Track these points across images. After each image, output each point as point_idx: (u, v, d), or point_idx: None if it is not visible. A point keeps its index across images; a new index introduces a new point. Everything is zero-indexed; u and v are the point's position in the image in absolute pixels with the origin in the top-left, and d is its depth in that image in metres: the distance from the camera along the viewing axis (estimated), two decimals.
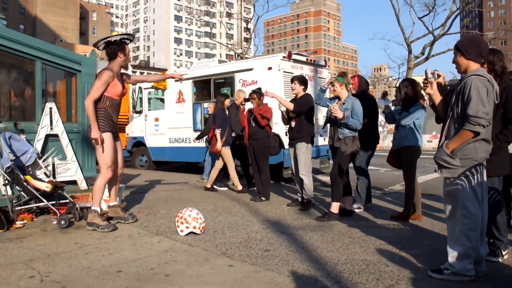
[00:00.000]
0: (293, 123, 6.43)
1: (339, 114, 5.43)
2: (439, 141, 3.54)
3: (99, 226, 4.95)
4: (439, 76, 3.71)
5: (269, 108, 7.25)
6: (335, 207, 5.59)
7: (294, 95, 6.59)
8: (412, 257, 3.94)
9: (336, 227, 5.20)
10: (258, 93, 7.23)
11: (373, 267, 3.69)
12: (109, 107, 5.08)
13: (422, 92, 4.89)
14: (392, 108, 5.91)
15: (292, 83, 6.52)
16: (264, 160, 7.27)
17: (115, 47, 5.15)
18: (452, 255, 3.32)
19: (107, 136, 5.03)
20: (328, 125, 5.96)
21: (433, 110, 3.91)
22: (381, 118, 26.51)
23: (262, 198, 7.09)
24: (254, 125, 7.21)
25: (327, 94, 6.31)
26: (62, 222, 5.01)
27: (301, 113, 6.31)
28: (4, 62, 6.10)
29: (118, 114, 5.31)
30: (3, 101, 6.37)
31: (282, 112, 6.57)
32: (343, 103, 5.64)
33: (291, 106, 6.31)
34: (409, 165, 5.61)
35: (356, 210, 6.13)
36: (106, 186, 5.23)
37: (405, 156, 5.59)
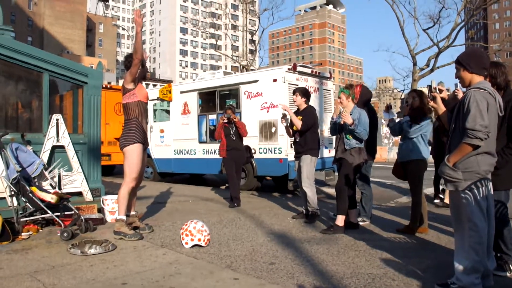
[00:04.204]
0: (297, 137, 6.44)
1: (349, 120, 5.43)
2: (444, 154, 3.53)
3: (126, 235, 5.04)
4: (441, 91, 3.73)
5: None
6: (340, 220, 5.56)
7: (296, 107, 6.61)
8: (419, 271, 3.91)
9: (341, 240, 5.17)
10: (233, 108, 8.19)
11: (379, 281, 3.66)
12: (139, 115, 5.26)
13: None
14: (397, 120, 5.88)
15: (294, 95, 6.55)
16: (240, 169, 8.31)
17: (132, 59, 5.27)
18: (459, 269, 3.29)
19: (138, 147, 5.18)
20: (334, 138, 5.94)
21: (438, 123, 3.92)
22: (386, 129, 26.49)
23: (235, 204, 7.72)
24: (235, 138, 7.89)
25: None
26: (65, 234, 5.01)
27: (308, 130, 6.32)
28: (12, 74, 6.15)
29: (147, 122, 5.51)
30: (11, 112, 6.42)
31: (285, 126, 6.59)
32: (350, 114, 5.65)
33: (299, 125, 6.31)
34: (416, 178, 5.57)
35: (361, 223, 6.09)
36: None
37: (411, 169, 5.55)
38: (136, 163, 5.19)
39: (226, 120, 7.85)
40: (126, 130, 5.25)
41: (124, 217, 5.17)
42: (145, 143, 5.32)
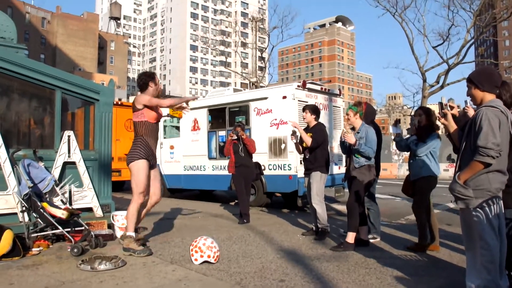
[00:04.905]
0: (307, 154, 6.44)
1: (352, 140, 5.45)
2: (455, 171, 3.52)
3: (135, 251, 5.04)
4: (452, 107, 3.73)
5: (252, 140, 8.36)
6: (350, 237, 5.52)
7: (306, 124, 6.62)
8: None
9: (352, 257, 5.13)
10: (242, 125, 8.26)
11: None
12: (145, 134, 5.27)
13: (438, 122, 4.87)
14: (406, 136, 5.87)
15: (303, 112, 6.57)
16: (250, 186, 8.37)
17: (145, 78, 5.38)
18: None
19: (143, 163, 5.19)
20: (344, 156, 5.95)
21: (449, 140, 3.91)
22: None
23: (244, 220, 7.74)
24: (243, 154, 7.96)
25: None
26: (75, 250, 5.02)
27: (317, 147, 6.33)
28: (25, 91, 6.26)
29: (156, 141, 5.46)
30: (23, 129, 6.51)
31: (295, 143, 6.60)
32: (358, 132, 5.67)
33: (308, 142, 6.32)
34: (422, 194, 5.51)
35: (372, 240, 6.04)
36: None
37: (421, 185, 5.51)
38: (141, 179, 5.19)
39: (235, 137, 7.92)
40: (132, 147, 5.30)
41: (133, 234, 5.17)
42: (149, 160, 5.29)
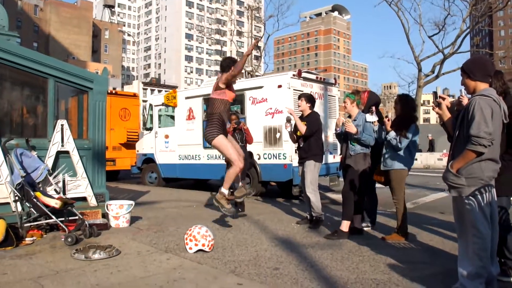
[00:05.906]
0: (301, 142, 6.44)
1: (353, 129, 5.44)
2: (448, 160, 3.52)
3: (223, 207, 5.62)
4: (443, 99, 3.73)
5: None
6: (345, 225, 5.54)
7: (301, 112, 6.60)
8: (423, 277, 3.89)
9: (345, 245, 5.15)
10: (237, 114, 8.45)
11: (383, 286, 3.65)
12: (223, 111, 5.67)
13: (432, 111, 4.79)
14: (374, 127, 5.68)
15: (299, 100, 6.56)
16: (245, 175, 8.12)
17: (230, 62, 5.80)
18: (463, 275, 3.27)
19: (222, 138, 5.63)
20: (339, 145, 5.95)
21: (443, 129, 3.91)
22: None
23: (239, 209, 7.56)
24: (241, 144, 7.88)
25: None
26: (69, 239, 5.02)
27: (311, 135, 6.31)
28: (17, 80, 6.20)
29: (228, 118, 6.07)
30: (16, 118, 6.46)
31: (289, 132, 6.59)
32: (354, 120, 5.66)
33: (303, 129, 6.31)
34: (399, 186, 5.42)
35: (365, 229, 6.06)
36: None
37: (394, 177, 5.41)
38: (229, 149, 5.60)
39: (236, 126, 7.92)
40: (209, 124, 5.73)
41: (226, 192, 5.63)
42: (225, 134, 5.71)
